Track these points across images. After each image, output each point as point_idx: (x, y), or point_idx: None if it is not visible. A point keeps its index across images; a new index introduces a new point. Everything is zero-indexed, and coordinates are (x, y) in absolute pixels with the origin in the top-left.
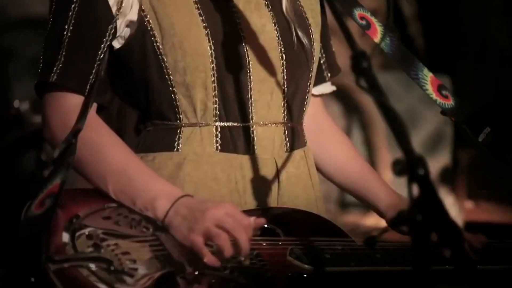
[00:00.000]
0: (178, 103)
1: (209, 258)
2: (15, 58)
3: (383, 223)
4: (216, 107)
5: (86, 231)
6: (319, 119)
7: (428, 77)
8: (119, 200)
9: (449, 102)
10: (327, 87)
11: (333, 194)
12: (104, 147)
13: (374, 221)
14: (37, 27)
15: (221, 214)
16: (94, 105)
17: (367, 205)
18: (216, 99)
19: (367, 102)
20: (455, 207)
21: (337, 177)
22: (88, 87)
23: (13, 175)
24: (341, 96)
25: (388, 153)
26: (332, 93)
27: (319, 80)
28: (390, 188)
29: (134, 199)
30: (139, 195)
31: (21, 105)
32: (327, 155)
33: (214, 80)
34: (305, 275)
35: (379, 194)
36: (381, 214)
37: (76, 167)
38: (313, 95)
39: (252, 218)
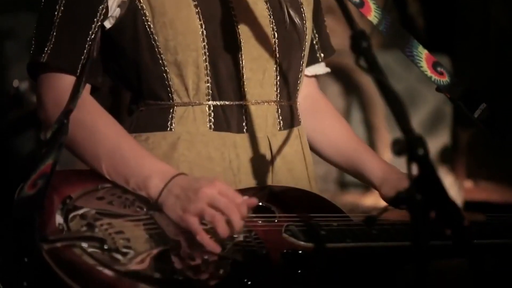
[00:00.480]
0: (170, 83)
1: (207, 243)
2: (14, 37)
3: (382, 202)
4: (208, 86)
5: (80, 211)
6: (314, 99)
7: (422, 54)
8: (113, 180)
9: (444, 79)
10: (321, 68)
11: (332, 174)
12: (98, 127)
13: (374, 200)
14: (37, 7)
15: (214, 193)
16: (88, 86)
17: (363, 182)
18: (208, 78)
19: (367, 82)
20: (455, 187)
21: (332, 155)
22: (79, 67)
23: (12, 155)
24: (341, 76)
25: (387, 133)
26: (332, 73)
27: (312, 61)
28: (384, 162)
29: (127, 179)
30: (132, 174)
31: (21, 85)
32: (322, 134)
33: (205, 59)
34: (300, 252)
35: (372, 169)
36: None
37: (71, 148)
38: (306, 75)
39: (245, 197)
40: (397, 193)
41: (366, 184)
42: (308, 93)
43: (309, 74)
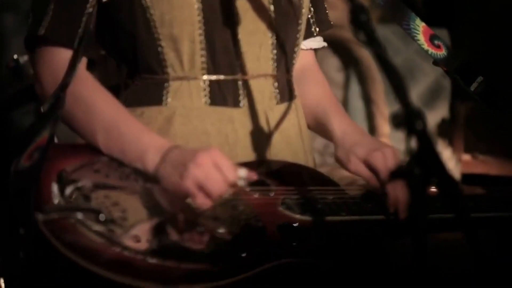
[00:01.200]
0: (165, 57)
1: (202, 201)
2: (14, 10)
3: None
4: (203, 60)
5: (76, 184)
6: (305, 70)
7: (420, 27)
8: (110, 154)
9: (441, 52)
10: (316, 42)
11: (331, 147)
12: (94, 102)
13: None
14: None
15: (208, 163)
16: (84, 60)
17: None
18: (204, 52)
19: (366, 55)
20: (453, 160)
21: (308, 119)
22: (76, 40)
23: (11, 128)
24: (339, 49)
25: (386, 106)
26: (330, 47)
27: (307, 35)
28: (349, 125)
29: (124, 153)
30: (128, 149)
31: (20, 58)
32: (302, 100)
33: (201, 33)
34: (295, 225)
35: (334, 129)
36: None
37: (67, 121)
38: (301, 49)
39: (244, 170)
40: (397, 167)
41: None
42: (301, 65)
43: (304, 48)
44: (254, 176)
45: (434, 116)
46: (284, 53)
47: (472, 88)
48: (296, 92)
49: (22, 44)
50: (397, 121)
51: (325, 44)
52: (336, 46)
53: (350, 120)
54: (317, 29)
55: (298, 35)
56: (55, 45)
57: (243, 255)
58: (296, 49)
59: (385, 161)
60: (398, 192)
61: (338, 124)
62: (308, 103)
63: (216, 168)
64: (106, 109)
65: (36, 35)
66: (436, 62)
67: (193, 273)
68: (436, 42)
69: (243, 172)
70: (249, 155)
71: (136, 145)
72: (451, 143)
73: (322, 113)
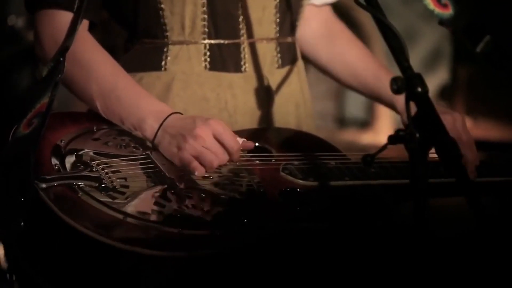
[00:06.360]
0: (165, 20)
1: (199, 170)
2: None
3: (380, 140)
4: (204, 24)
5: (76, 152)
6: (329, 25)
7: None
8: (109, 119)
9: (448, 12)
10: None
11: (330, 111)
12: (94, 65)
13: (371, 138)
14: None
15: (208, 135)
16: (86, 23)
17: (385, 105)
18: (205, 15)
19: (365, 19)
20: None
21: (351, 80)
22: (76, 3)
23: (8, 92)
24: (339, 13)
25: None
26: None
27: None
28: None
29: (123, 119)
30: (127, 115)
31: (17, 21)
32: (339, 60)
33: None
34: (298, 190)
35: (393, 96)
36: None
37: (67, 84)
38: (315, 5)
39: (241, 140)
40: (396, 130)
41: (388, 107)
42: (322, 20)
43: (318, 3)
44: (251, 145)
45: (435, 80)
46: (288, 16)
47: (478, 48)
48: (299, 55)
49: (19, 6)
50: (398, 86)
51: None
52: (335, 10)
53: None
54: None
55: None
56: (55, 7)
57: (244, 220)
58: (300, 10)
59: (454, 124)
60: (466, 152)
61: None
62: (350, 64)
63: (217, 139)
64: (106, 74)
65: None
66: (442, 22)
67: (196, 238)
68: (443, 1)
69: (239, 141)
70: (249, 122)
71: (135, 112)
72: (452, 106)
73: (371, 79)
